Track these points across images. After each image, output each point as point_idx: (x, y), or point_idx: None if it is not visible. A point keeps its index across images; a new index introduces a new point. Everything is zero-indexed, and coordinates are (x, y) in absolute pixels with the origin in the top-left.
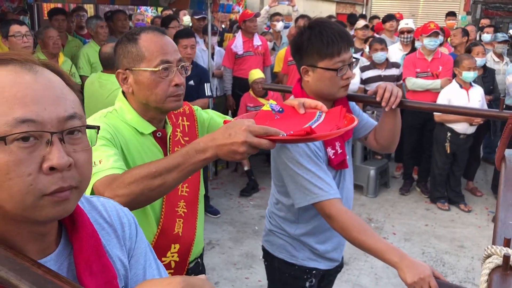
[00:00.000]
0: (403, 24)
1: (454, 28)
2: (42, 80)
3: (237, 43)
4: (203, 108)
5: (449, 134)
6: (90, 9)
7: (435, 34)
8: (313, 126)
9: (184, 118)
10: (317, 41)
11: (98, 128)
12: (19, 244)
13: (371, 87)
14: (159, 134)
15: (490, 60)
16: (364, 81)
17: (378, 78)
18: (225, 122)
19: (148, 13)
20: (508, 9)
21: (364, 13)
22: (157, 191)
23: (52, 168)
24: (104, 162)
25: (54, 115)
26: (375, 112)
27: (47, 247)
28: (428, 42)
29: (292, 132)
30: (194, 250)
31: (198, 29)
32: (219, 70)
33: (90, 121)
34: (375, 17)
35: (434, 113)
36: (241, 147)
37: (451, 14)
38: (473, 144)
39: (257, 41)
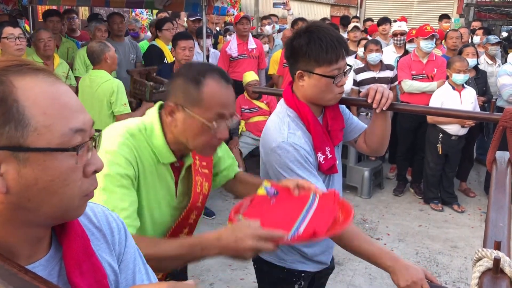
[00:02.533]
0: (396, 27)
1: (448, 30)
2: (70, 90)
3: (232, 45)
4: None
5: (441, 135)
6: (85, 11)
7: (432, 37)
8: (309, 213)
9: None
10: (316, 47)
11: (100, 131)
12: (11, 249)
13: (365, 89)
14: (176, 164)
15: (484, 62)
16: (358, 83)
17: (373, 80)
18: (230, 219)
19: (143, 15)
20: (501, 12)
21: (358, 15)
22: (161, 269)
23: (94, 172)
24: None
25: (90, 123)
26: (369, 114)
27: (38, 253)
28: (425, 45)
29: (299, 233)
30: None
31: (192, 32)
32: None
33: (113, 131)
34: (369, 19)
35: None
36: (247, 252)
37: (446, 17)
38: (466, 145)
39: (251, 44)
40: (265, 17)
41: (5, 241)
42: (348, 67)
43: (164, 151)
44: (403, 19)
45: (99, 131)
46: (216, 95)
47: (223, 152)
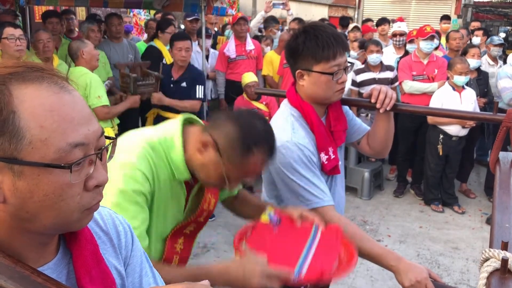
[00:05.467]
0: (395, 27)
1: (449, 31)
2: (77, 99)
3: (230, 47)
4: (191, 109)
5: (441, 136)
6: (82, 12)
7: (431, 37)
8: (312, 249)
9: None
10: (313, 44)
11: (115, 139)
12: (19, 251)
13: (366, 90)
14: (191, 181)
15: (485, 63)
16: (358, 84)
17: (373, 81)
18: (235, 247)
19: (141, 15)
20: (498, 13)
21: (356, 16)
22: None
23: (96, 186)
24: None
25: (94, 135)
26: (369, 115)
27: (46, 256)
28: (425, 46)
29: (302, 273)
30: None
31: (191, 32)
32: (213, 72)
33: (131, 141)
34: (369, 20)
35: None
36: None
37: (446, 18)
38: (466, 146)
39: (249, 45)
40: (273, 22)
41: (12, 246)
42: (349, 64)
43: (181, 167)
44: (400, 19)
45: (113, 138)
46: (256, 166)
47: None
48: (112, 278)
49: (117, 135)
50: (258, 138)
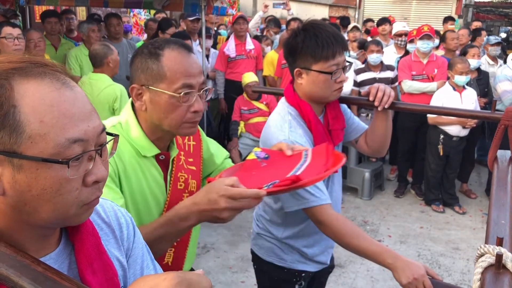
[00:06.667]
0: (400, 27)
1: (445, 31)
2: (79, 95)
3: (230, 46)
4: None
5: (442, 136)
6: (82, 12)
7: (427, 37)
8: (301, 169)
9: (191, 138)
10: (312, 43)
11: (117, 136)
12: (20, 242)
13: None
14: (162, 157)
15: (485, 63)
16: (358, 84)
17: (373, 81)
18: (208, 180)
19: (142, 15)
20: (499, 13)
21: (357, 16)
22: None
23: (95, 182)
24: None
25: (95, 131)
26: (369, 114)
27: (47, 247)
28: (421, 45)
29: (278, 181)
30: None
31: (192, 32)
32: (214, 72)
33: None
34: (370, 20)
35: (428, 115)
36: (222, 213)
37: (451, 19)
38: (467, 147)
39: (249, 44)
40: (269, 24)
41: (13, 237)
42: (347, 64)
43: (143, 143)
44: (393, 20)
45: (115, 135)
46: (178, 64)
47: (215, 148)
48: (114, 270)
49: None
50: (157, 43)
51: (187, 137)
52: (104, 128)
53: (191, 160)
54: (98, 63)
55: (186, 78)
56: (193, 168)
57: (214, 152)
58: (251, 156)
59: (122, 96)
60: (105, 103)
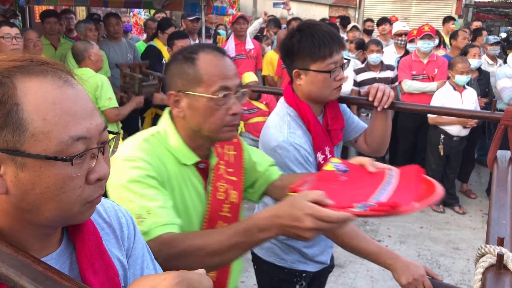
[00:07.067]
0: (400, 27)
1: (456, 30)
2: (80, 93)
3: (229, 46)
4: None
5: (442, 136)
6: (82, 12)
7: (428, 37)
8: (387, 190)
9: (231, 148)
10: (309, 43)
11: (118, 134)
12: (22, 241)
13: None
14: (202, 165)
15: (484, 62)
16: (358, 84)
17: (373, 81)
18: (291, 189)
19: (141, 15)
20: (499, 13)
21: (357, 16)
22: (213, 266)
23: (98, 179)
24: (154, 216)
25: (97, 129)
26: (369, 114)
27: (49, 247)
28: (422, 45)
29: (373, 204)
30: None
31: (192, 31)
32: None
33: (129, 141)
34: (369, 20)
35: (428, 115)
36: (306, 232)
37: (452, 19)
38: (467, 147)
39: (249, 44)
40: (269, 24)
41: (15, 236)
42: (345, 61)
43: (183, 150)
44: (396, 19)
45: (116, 133)
46: (214, 67)
47: (258, 156)
48: (115, 270)
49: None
50: (191, 49)
51: (226, 147)
52: (106, 126)
53: (231, 170)
54: (80, 58)
55: (223, 81)
56: (234, 178)
57: (256, 160)
58: (329, 167)
59: (103, 85)
60: (88, 93)
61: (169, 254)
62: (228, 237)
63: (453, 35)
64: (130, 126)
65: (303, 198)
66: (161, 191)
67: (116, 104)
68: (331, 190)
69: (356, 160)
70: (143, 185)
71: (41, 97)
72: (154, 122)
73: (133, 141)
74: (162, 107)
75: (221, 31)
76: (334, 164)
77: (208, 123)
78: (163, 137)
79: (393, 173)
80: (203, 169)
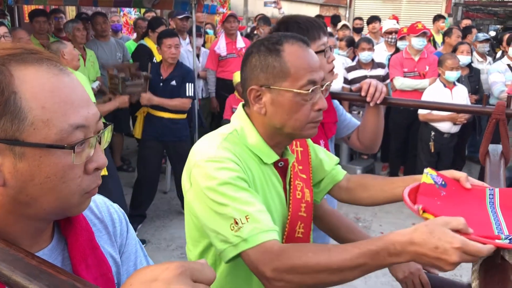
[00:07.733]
0: (390, 25)
1: (446, 29)
2: (76, 82)
3: (220, 45)
4: (181, 107)
5: (433, 133)
6: (72, 11)
7: (423, 34)
8: (497, 212)
9: (298, 144)
10: (296, 29)
11: (110, 124)
12: (13, 236)
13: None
14: (281, 164)
15: (474, 60)
16: (350, 82)
17: (364, 78)
18: (423, 209)
19: (132, 15)
20: (488, 11)
21: (347, 15)
22: (330, 285)
23: (96, 169)
24: (253, 221)
25: (94, 118)
26: (361, 112)
27: (40, 242)
28: (417, 42)
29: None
30: None
31: (182, 30)
32: (205, 71)
33: (206, 141)
34: (359, 18)
35: (419, 112)
36: (448, 266)
37: (442, 17)
38: (458, 144)
39: (240, 43)
40: (259, 23)
41: (6, 232)
42: (330, 46)
43: (263, 149)
44: (395, 17)
45: (109, 123)
46: (301, 59)
47: (323, 154)
48: (108, 265)
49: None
50: (273, 39)
51: (294, 143)
52: (101, 116)
53: (301, 167)
54: None
55: (310, 74)
56: (304, 176)
57: (323, 158)
58: (428, 180)
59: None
60: None
61: (280, 267)
62: (354, 257)
63: (447, 33)
64: (120, 125)
65: (445, 226)
66: (254, 193)
67: (93, 100)
68: (437, 207)
69: (449, 173)
70: (235, 188)
71: (39, 85)
72: (146, 122)
73: (211, 140)
74: (153, 107)
75: (209, 30)
76: (431, 176)
77: (293, 120)
78: (241, 135)
79: (493, 193)
80: (281, 168)
